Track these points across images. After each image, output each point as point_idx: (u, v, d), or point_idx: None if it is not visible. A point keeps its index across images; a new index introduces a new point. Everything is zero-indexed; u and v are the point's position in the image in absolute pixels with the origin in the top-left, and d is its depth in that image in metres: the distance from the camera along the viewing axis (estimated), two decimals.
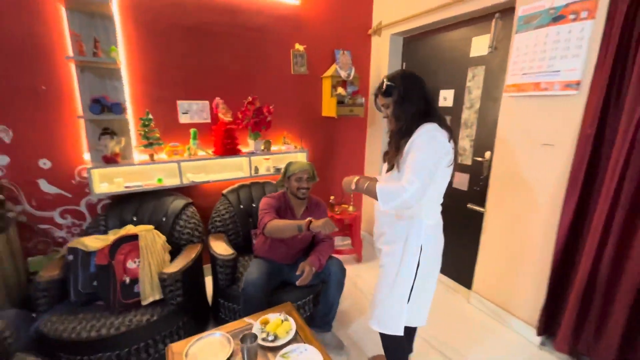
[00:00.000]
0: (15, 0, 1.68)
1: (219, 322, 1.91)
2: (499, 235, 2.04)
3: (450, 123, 2.40)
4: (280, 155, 2.56)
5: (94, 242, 1.68)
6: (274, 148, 2.57)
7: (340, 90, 2.60)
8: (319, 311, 1.85)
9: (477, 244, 2.20)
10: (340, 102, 2.60)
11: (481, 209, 2.18)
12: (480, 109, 2.19)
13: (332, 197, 2.91)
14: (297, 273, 1.64)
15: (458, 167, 2.36)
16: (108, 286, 1.58)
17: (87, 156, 1.98)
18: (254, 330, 1.31)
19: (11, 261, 1.77)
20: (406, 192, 1.09)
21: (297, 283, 1.63)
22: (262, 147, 2.46)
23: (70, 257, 1.64)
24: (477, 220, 2.21)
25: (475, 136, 2.24)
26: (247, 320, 1.39)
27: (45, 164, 1.89)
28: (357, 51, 2.79)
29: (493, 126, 2.04)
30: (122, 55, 1.96)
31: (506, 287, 2.02)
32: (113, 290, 1.57)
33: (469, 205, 2.30)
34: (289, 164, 1.77)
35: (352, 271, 2.67)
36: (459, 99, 2.33)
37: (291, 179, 1.75)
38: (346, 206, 2.90)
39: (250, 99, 2.26)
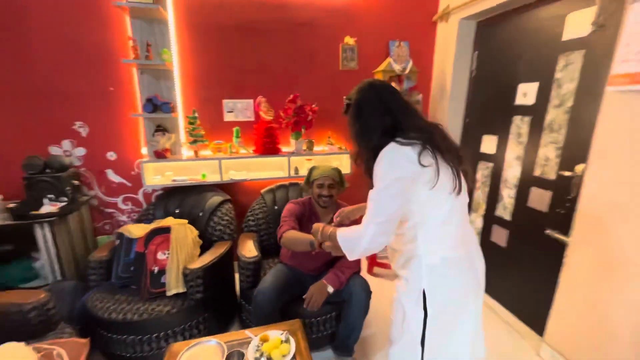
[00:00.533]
0: (89, 13, 1.92)
1: (243, 323, 1.91)
2: (587, 277, 1.53)
3: (529, 125, 1.91)
4: (323, 157, 2.44)
5: (137, 230, 1.83)
6: (317, 148, 2.46)
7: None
8: (339, 332, 1.68)
9: (554, 281, 1.71)
10: None
11: (564, 238, 1.68)
12: (573, 108, 1.67)
13: None
14: (304, 297, 1.50)
15: (537, 181, 1.87)
16: (140, 273, 1.70)
17: (144, 150, 2.19)
18: (252, 346, 1.23)
19: (81, 238, 2.07)
20: (363, 239, 0.93)
21: (304, 306, 1.49)
22: (304, 147, 2.37)
23: (117, 242, 1.82)
24: (557, 251, 1.72)
25: (563, 143, 1.73)
26: (247, 332, 1.32)
27: (111, 156, 2.16)
28: (418, 42, 2.46)
29: (589, 131, 1.52)
30: (175, 57, 2.10)
31: (591, 348, 1.51)
32: (144, 278, 1.68)
33: (548, 232, 1.80)
34: (312, 168, 1.63)
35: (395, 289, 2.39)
36: (543, 95, 1.83)
37: (313, 185, 1.61)
38: None
39: (291, 97, 2.18)
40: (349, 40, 2.34)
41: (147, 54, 1.88)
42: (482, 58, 2.32)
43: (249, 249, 1.84)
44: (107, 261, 1.79)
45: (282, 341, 1.25)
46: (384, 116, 0.95)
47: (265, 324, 1.48)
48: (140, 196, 2.27)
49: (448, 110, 2.45)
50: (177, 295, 1.67)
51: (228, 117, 2.28)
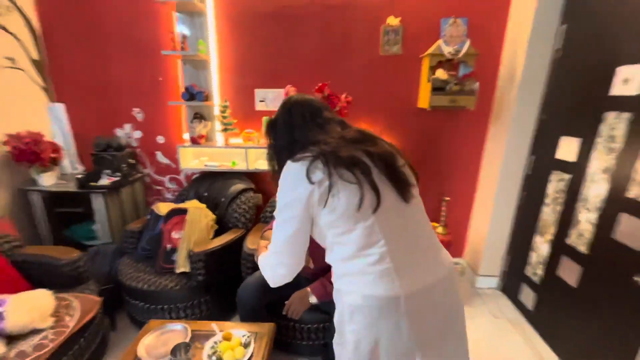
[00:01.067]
0: (143, 12, 2.14)
1: None
2: None
3: (629, 124, 1.35)
4: None
5: (165, 208, 2.01)
6: None
7: (439, 73, 1.95)
8: (330, 345, 1.52)
9: (636, 346, 1.20)
10: (439, 88, 1.96)
11: None
12: None
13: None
14: (286, 302, 1.39)
15: (631, 206, 1.32)
16: (158, 249, 1.86)
17: (186, 136, 2.37)
18: (210, 342, 1.20)
19: (133, 209, 2.39)
20: (266, 269, 0.91)
21: (283, 312, 1.39)
22: None
23: (148, 217, 2.03)
24: None
25: None
26: (212, 325, 1.29)
27: (160, 139, 2.41)
28: (481, 16, 1.99)
29: None
30: (213, 48, 2.18)
31: None
32: (159, 254, 1.84)
33: (637, 278, 1.26)
34: None
35: None
36: None
37: None
38: (435, 224, 2.25)
39: (319, 85, 2.04)
40: (392, 20, 2.05)
41: (181, 44, 2.00)
42: (571, 33, 1.74)
43: (253, 241, 1.82)
44: (139, 232, 2.02)
45: (241, 343, 1.19)
46: (291, 133, 0.85)
47: (249, 320, 1.45)
48: (182, 177, 2.49)
49: (516, 103, 1.94)
50: (183, 274, 1.77)
51: (259, 107, 2.29)
